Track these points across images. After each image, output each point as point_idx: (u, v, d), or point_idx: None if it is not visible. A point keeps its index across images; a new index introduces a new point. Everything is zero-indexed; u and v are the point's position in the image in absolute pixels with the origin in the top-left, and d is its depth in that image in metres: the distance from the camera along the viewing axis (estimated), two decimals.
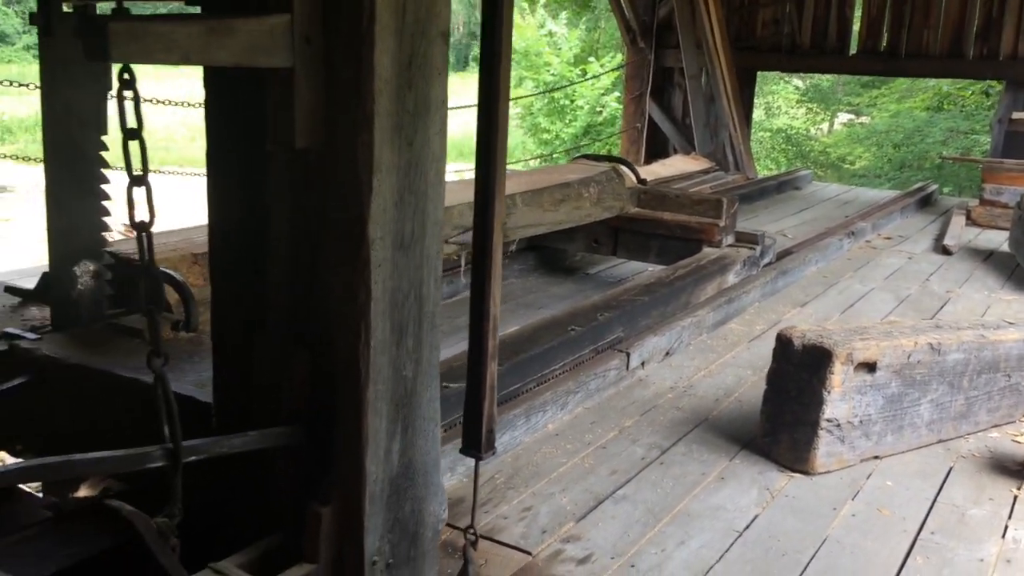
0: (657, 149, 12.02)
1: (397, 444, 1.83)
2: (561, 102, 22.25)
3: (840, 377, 3.33)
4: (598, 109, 22.52)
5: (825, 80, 26.91)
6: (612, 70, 19.79)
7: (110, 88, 2.86)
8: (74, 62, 2.75)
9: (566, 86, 20.99)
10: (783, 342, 3.50)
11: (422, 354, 1.85)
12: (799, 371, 3.42)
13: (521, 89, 23.74)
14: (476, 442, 2.26)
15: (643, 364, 4.51)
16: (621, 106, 22.43)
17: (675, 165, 10.58)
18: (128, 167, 1.44)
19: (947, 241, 7.56)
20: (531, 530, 3.03)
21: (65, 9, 2.71)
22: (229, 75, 1.80)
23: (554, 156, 22.16)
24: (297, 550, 1.80)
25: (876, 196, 10.64)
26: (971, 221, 8.62)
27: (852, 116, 28.83)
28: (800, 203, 9.90)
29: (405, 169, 1.71)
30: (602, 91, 22.20)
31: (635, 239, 5.86)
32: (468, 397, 2.25)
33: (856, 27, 11.30)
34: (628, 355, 4.34)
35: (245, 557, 1.77)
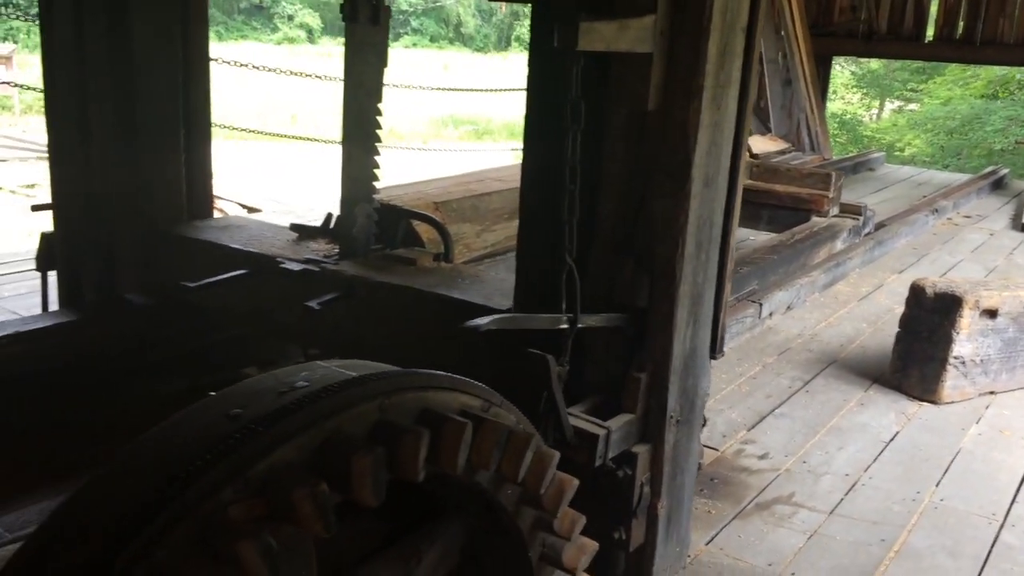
0: None
1: (690, 332, 2.48)
2: None
3: (968, 320, 3.93)
4: None
5: (878, 66, 27.04)
6: None
7: (387, 64, 3.52)
8: (366, 44, 3.41)
9: None
10: (916, 291, 4.10)
11: (709, 266, 2.49)
12: (931, 315, 4.02)
13: None
14: (713, 344, 2.90)
15: (771, 315, 5.12)
16: None
17: (754, 145, 11.06)
18: (573, 116, 2.09)
19: None
20: (713, 434, 3.68)
21: None
22: (561, 59, 2.45)
23: None
24: (614, 405, 2.46)
25: (948, 178, 11.10)
26: None
27: (901, 103, 28.99)
28: (876, 183, 10.39)
29: (713, 127, 2.34)
30: None
31: (747, 208, 6.43)
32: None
33: (932, 14, 11.68)
34: (761, 305, 4.96)
35: (583, 406, 2.43)
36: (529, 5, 2.61)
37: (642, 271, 2.41)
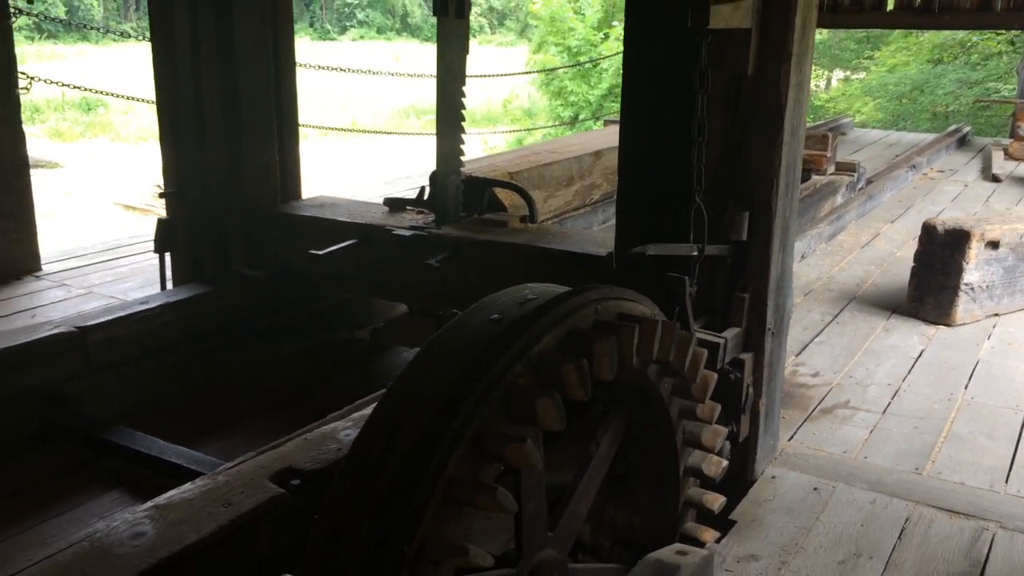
0: None
1: (780, 257, 2.99)
2: (586, 65, 23.16)
3: (975, 251, 4.51)
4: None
5: (826, 36, 27.97)
6: None
7: (468, 52, 3.97)
8: (452, 35, 3.86)
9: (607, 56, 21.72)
10: (928, 228, 4.67)
11: (792, 203, 3.01)
12: (943, 249, 4.60)
13: (544, 53, 24.59)
14: None
15: None
16: None
17: None
18: (701, 81, 2.58)
19: (995, 171, 8.72)
20: None
21: None
22: (656, 35, 2.94)
23: (580, 118, 23.14)
24: (717, 322, 2.97)
25: (915, 138, 11.78)
26: (1009, 156, 9.76)
27: (848, 72, 29.99)
28: (850, 146, 11.00)
29: (797, 87, 2.85)
30: None
31: None
32: None
33: None
34: None
35: (699, 323, 2.93)
36: None
37: (742, 209, 2.92)
